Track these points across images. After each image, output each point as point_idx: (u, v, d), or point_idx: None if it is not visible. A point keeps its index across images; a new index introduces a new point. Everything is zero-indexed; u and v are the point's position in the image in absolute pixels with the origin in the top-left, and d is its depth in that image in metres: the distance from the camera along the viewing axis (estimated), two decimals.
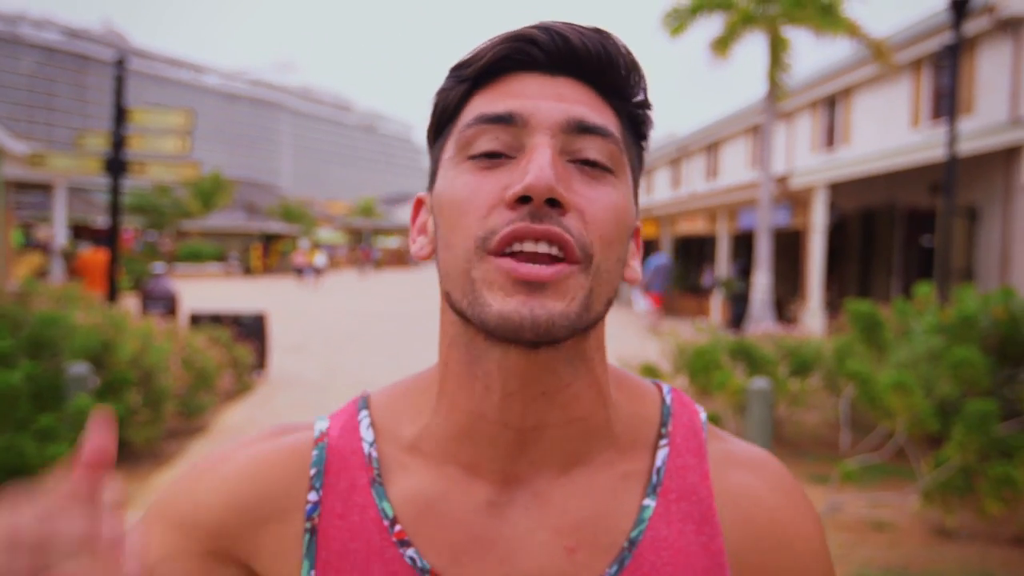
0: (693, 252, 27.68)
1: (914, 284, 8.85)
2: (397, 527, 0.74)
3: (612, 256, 0.71)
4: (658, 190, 33.00)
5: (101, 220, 28.62)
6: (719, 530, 0.76)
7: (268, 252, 48.97)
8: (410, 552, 0.73)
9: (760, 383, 5.89)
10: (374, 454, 0.78)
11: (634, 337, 17.46)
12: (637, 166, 0.80)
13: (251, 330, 11.41)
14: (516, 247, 0.67)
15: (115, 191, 9.52)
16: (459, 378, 0.75)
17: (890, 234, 18.06)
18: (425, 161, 0.83)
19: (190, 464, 0.82)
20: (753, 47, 15.09)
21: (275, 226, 49.96)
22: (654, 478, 0.77)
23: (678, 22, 14.56)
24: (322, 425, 0.81)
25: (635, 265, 0.79)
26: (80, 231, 29.07)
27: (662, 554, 0.74)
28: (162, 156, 9.58)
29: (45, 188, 16.20)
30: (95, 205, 33.22)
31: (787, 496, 0.81)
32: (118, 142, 9.37)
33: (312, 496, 0.76)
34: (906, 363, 6.57)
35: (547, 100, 0.71)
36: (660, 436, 0.80)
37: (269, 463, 0.79)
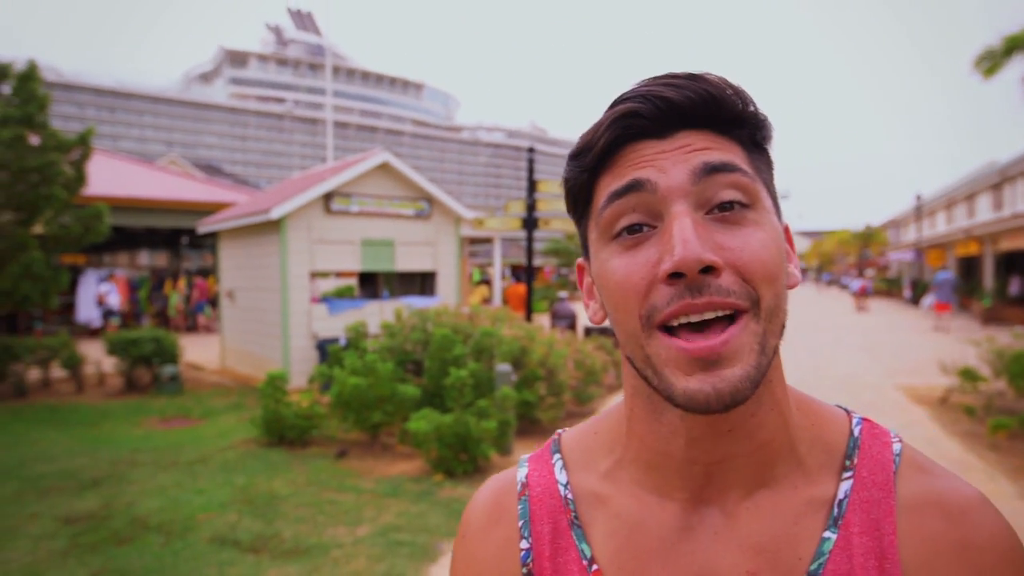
0: (1017, 266, 23.11)
1: None
2: (595, 567, 0.66)
3: (776, 287, 0.59)
4: (980, 212, 27.98)
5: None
6: (899, 569, 0.59)
7: None
8: None
9: None
10: (569, 496, 0.70)
11: (923, 337, 15.40)
12: (769, 176, 0.65)
13: None
14: (683, 319, 0.57)
15: (530, 240, 10.20)
16: (645, 423, 0.65)
17: None
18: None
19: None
20: None
21: None
22: (835, 510, 0.62)
23: (991, 63, 12.19)
24: (522, 474, 0.74)
25: (793, 270, 0.65)
26: (515, 269, 31.58)
27: None
28: (560, 214, 10.10)
29: (489, 240, 18.01)
30: (524, 249, 36.02)
31: (986, 551, 0.59)
32: (531, 205, 10.03)
33: (524, 544, 0.69)
34: None
35: (667, 160, 0.59)
36: (845, 467, 0.64)
37: (487, 559, 0.72)
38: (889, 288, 40.16)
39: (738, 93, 0.62)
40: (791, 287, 0.64)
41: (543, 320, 15.79)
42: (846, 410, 0.70)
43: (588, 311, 0.69)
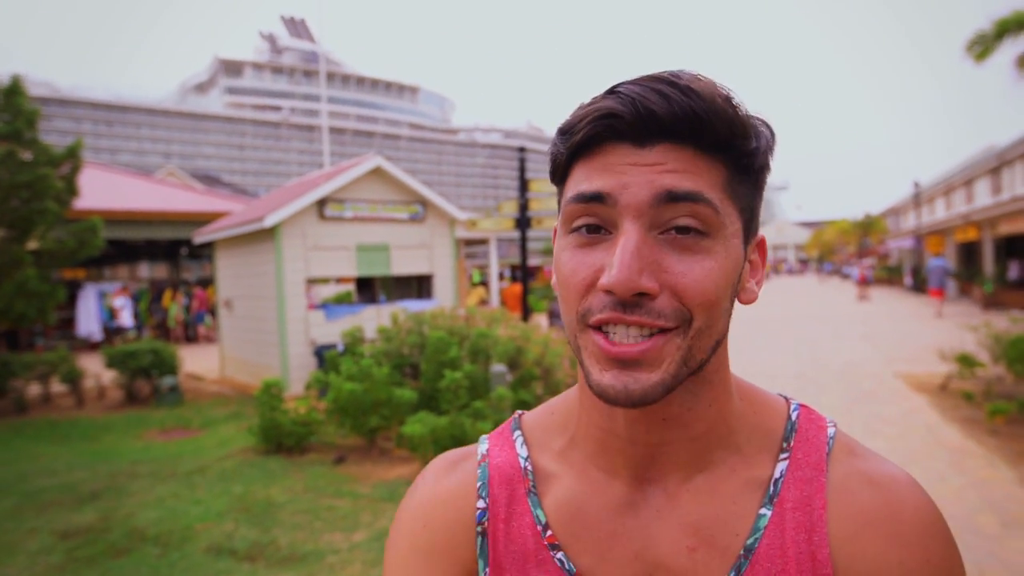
0: (1016, 250, 23.06)
1: None
2: (548, 532, 0.69)
3: (714, 313, 0.61)
4: (979, 197, 27.88)
5: (531, 261, 30.76)
6: (826, 541, 0.63)
7: None
8: (559, 555, 0.68)
9: None
10: (529, 467, 0.73)
11: (923, 324, 15.31)
12: (751, 197, 0.65)
13: None
14: (611, 328, 0.59)
15: (523, 240, 10.18)
16: (592, 401, 0.69)
17: None
18: None
19: (402, 503, 0.78)
20: None
21: None
22: (771, 489, 0.66)
23: (983, 47, 12.09)
24: (483, 447, 0.77)
25: (752, 287, 0.67)
26: (515, 270, 31.52)
27: (776, 562, 0.63)
28: (554, 212, 10.07)
29: (485, 241, 18.02)
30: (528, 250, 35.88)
31: (908, 524, 0.63)
32: (523, 205, 10.01)
33: (480, 504, 0.72)
34: None
35: (635, 175, 0.59)
36: (782, 449, 0.68)
37: (443, 500, 0.74)
38: (890, 276, 40.11)
39: (731, 119, 0.60)
40: (747, 303, 0.67)
41: (543, 320, 15.74)
42: (786, 398, 0.73)
43: (552, 279, 0.69)
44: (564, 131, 0.64)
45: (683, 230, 0.59)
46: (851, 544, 0.62)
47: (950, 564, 0.62)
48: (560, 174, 0.67)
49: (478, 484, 0.73)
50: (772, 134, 0.64)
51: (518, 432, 0.77)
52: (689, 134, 0.59)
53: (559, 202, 0.68)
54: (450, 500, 0.73)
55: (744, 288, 0.66)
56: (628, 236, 0.58)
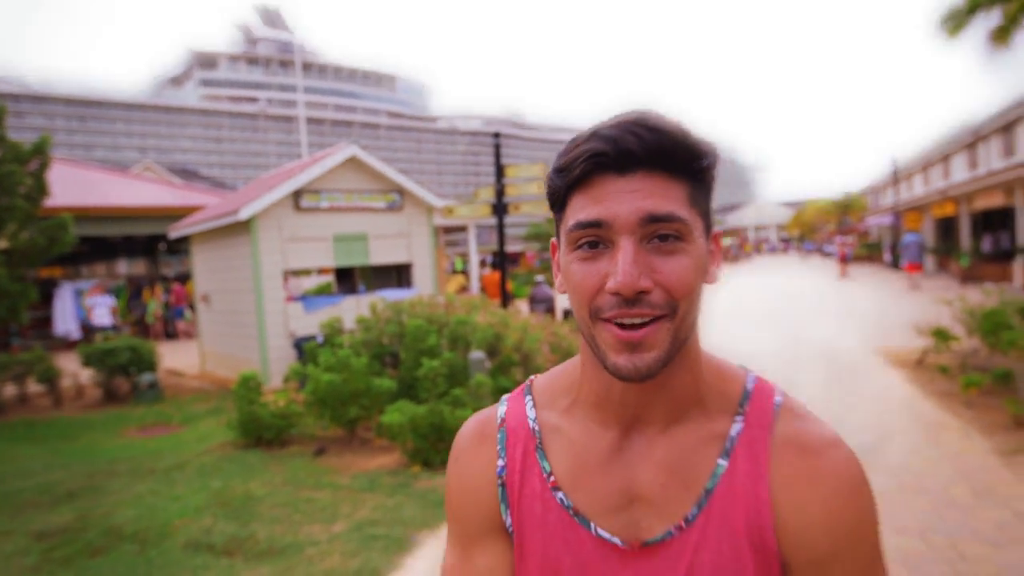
0: (994, 224, 23.31)
1: None
2: (552, 478, 0.89)
3: (692, 298, 0.79)
4: (955, 173, 28.10)
5: (514, 247, 30.77)
6: (768, 487, 0.82)
7: None
8: (560, 495, 0.88)
9: None
10: (536, 428, 0.93)
11: (901, 300, 15.39)
12: (708, 197, 0.83)
13: None
14: (618, 320, 0.77)
15: (500, 226, 10.14)
16: (592, 373, 0.88)
17: None
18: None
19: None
20: None
21: None
22: (728, 444, 0.85)
23: (955, 22, 12.11)
24: (502, 410, 0.97)
25: (714, 271, 0.85)
26: (496, 256, 31.47)
27: (728, 500, 0.82)
28: (530, 198, 10.05)
29: (464, 228, 17.99)
30: (508, 236, 35.75)
31: (830, 479, 0.81)
32: (500, 191, 9.97)
33: (500, 462, 0.93)
34: None
35: (624, 202, 0.77)
36: (737, 412, 0.86)
37: (474, 474, 0.95)
38: (870, 253, 40.41)
39: (690, 147, 0.78)
40: (711, 283, 0.84)
41: (524, 306, 15.73)
42: (746, 369, 0.92)
43: (556, 281, 0.87)
44: (561, 169, 0.81)
45: (664, 237, 0.77)
46: (787, 490, 0.81)
47: (864, 513, 0.81)
48: (559, 203, 0.84)
49: (498, 447, 0.94)
50: (716, 152, 0.81)
51: (529, 397, 0.97)
52: (660, 163, 0.77)
53: (558, 226, 0.86)
54: (480, 467, 0.94)
55: (707, 272, 0.83)
56: (625, 250, 0.76)
